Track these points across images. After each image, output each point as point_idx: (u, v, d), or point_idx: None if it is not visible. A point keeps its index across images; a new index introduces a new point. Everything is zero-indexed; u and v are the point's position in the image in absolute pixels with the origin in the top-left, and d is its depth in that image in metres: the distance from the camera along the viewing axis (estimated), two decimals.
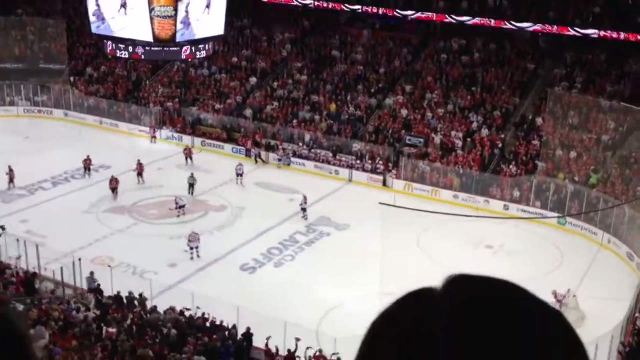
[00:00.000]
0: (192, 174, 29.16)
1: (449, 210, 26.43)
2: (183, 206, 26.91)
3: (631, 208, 25.23)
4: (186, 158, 32.38)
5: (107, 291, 20.12)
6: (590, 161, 29.22)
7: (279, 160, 32.82)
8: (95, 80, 40.80)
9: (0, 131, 35.69)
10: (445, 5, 35.63)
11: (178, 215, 26.73)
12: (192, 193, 28.49)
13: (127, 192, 28.80)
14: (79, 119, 38.62)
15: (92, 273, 20.62)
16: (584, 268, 23.72)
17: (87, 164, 30.64)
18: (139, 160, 30.21)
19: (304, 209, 26.89)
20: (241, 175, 30.19)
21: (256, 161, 33.24)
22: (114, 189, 28.19)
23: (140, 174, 30.01)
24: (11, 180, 28.52)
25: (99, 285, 20.34)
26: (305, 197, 27.11)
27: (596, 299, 21.26)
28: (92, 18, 26.74)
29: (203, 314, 18.88)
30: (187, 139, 35.46)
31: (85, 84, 40.46)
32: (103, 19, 26.47)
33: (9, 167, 28.58)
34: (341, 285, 21.58)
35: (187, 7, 25.78)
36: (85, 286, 20.76)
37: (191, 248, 23.37)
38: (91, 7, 26.41)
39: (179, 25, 25.80)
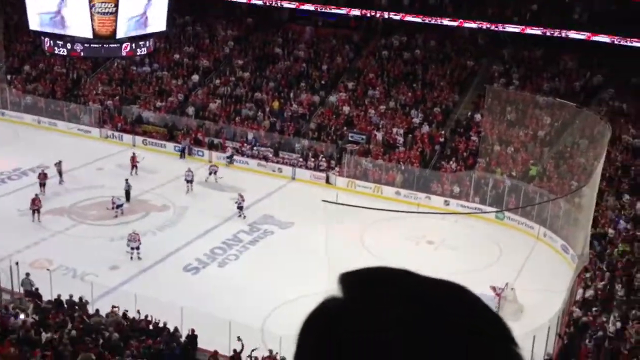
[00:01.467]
0: (126, 180, 28.18)
1: (391, 206, 26.80)
2: (121, 206, 26.61)
3: (566, 202, 26.08)
4: (132, 167, 30.86)
5: (47, 295, 19.74)
6: (527, 156, 30.05)
7: (227, 158, 32.54)
8: (33, 79, 39.76)
9: None
10: (387, 2, 36.06)
11: (116, 216, 26.41)
12: (129, 199, 27.75)
13: (66, 193, 28.25)
14: (17, 118, 37.56)
15: (27, 274, 20.20)
16: (521, 261, 24.41)
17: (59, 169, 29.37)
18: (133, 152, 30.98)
19: (240, 208, 26.79)
20: (191, 182, 29.29)
21: (181, 156, 33.13)
22: (42, 184, 27.61)
23: (135, 166, 30.53)
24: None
25: (37, 289, 19.94)
26: (242, 196, 26.96)
27: (533, 292, 21.93)
28: (30, 14, 26.09)
29: (146, 316, 18.72)
30: (127, 138, 34.96)
31: (22, 83, 39.38)
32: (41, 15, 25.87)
33: None
34: (286, 284, 21.68)
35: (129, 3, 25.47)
36: (21, 290, 20.30)
37: (132, 248, 23.12)
38: (30, 4, 25.76)
39: (124, 21, 25.41)
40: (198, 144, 33.93)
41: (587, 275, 21.62)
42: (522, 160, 29.96)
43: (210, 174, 30.05)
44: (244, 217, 26.74)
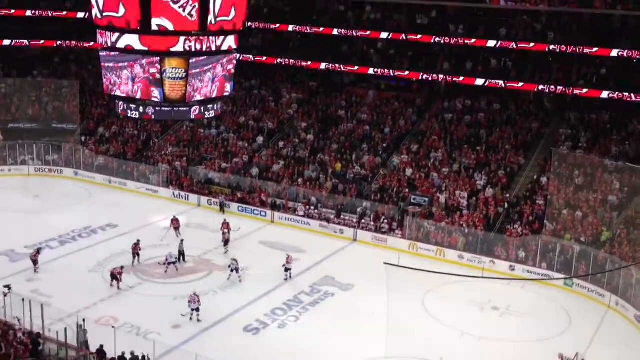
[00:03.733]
0: (181, 241, 28.48)
1: (454, 270, 26.32)
2: (173, 263, 27.00)
3: (639, 270, 25.04)
4: (223, 234, 29.93)
5: (111, 352, 19.96)
6: (596, 222, 29.13)
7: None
8: (106, 140, 41.41)
9: (11, 190, 36.24)
10: (450, 66, 36.28)
11: (166, 271, 26.79)
12: (184, 260, 27.92)
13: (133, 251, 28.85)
14: (89, 178, 39.09)
15: (79, 325, 19.90)
16: (592, 331, 23.42)
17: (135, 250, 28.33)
18: (174, 216, 31.26)
19: (287, 270, 26.58)
20: (236, 270, 26.35)
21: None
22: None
23: (177, 228, 30.79)
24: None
25: (102, 346, 20.15)
26: (289, 257, 26.82)
27: None
28: (105, 80, 27.29)
29: None
30: (193, 198, 35.83)
31: (96, 144, 41.07)
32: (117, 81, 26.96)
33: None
34: (346, 347, 21.39)
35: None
36: (80, 340, 20.48)
37: (192, 310, 23.23)
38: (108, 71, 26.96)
39: (194, 88, 26.22)
40: (262, 204, 34.37)
41: None
42: (592, 225, 29.06)
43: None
44: (287, 279, 26.48)
